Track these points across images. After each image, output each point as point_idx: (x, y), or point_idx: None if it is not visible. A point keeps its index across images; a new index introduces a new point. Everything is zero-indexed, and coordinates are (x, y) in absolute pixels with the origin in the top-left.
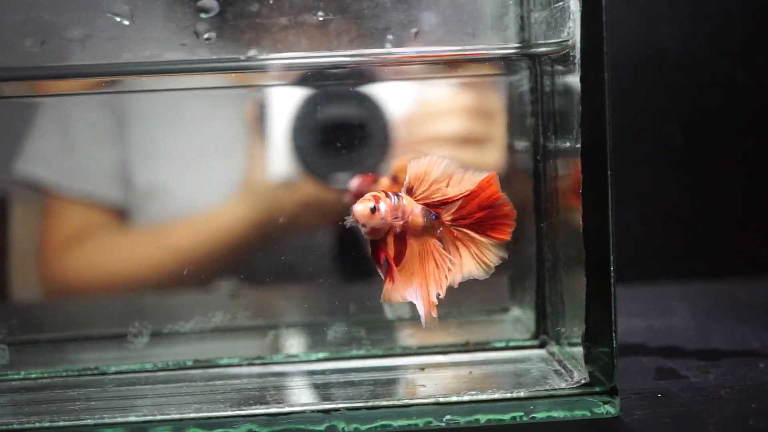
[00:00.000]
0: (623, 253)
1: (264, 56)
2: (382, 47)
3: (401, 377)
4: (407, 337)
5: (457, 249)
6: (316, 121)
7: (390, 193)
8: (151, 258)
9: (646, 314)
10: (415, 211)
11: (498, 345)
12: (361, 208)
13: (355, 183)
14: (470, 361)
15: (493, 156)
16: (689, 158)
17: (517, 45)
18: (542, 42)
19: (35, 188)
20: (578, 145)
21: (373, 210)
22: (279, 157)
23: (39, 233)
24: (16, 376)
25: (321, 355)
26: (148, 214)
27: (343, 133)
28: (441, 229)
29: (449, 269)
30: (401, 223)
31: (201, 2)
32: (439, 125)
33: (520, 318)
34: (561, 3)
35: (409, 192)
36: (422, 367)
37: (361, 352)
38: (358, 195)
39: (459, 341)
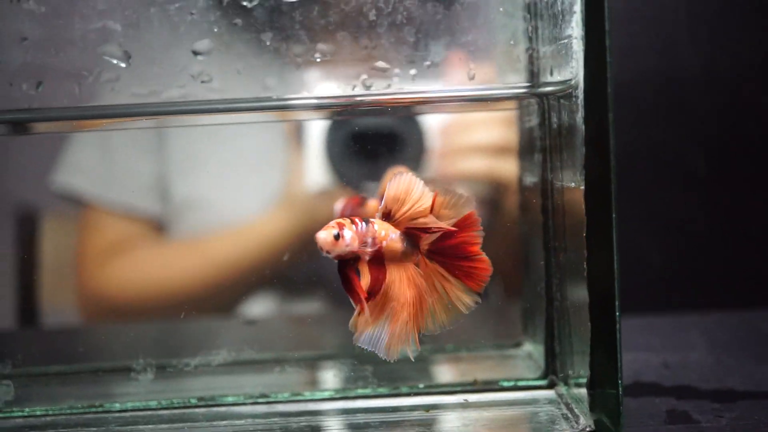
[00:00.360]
0: (641, 282)
1: (283, 96)
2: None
3: (405, 419)
4: (414, 374)
5: (433, 284)
6: (350, 132)
7: (357, 220)
8: (189, 270)
9: (662, 348)
10: (391, 236)
11: (506, 385)
12: (324, 235)
13: (339, 205)
14: (477, 401)
15: None
16: (711, 184)
17: (526, 84)
18: (548, 81)
19: (73, 200)
20: (583, 186)
21: (337, 237)
22: (316, 168)
23: (75, 246)
24: (20, 414)
25: (325, 394)
26: (185, 227)
27: (378, 143)
28: (419, 257)
29: (434, 299)
30: (371, 250)
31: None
32: (476, 134)
33: (531, 354)
34: (565, 41)
35: (387, 216)
36: (427, 409)
37: (367, 391)
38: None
39: (467, 380)
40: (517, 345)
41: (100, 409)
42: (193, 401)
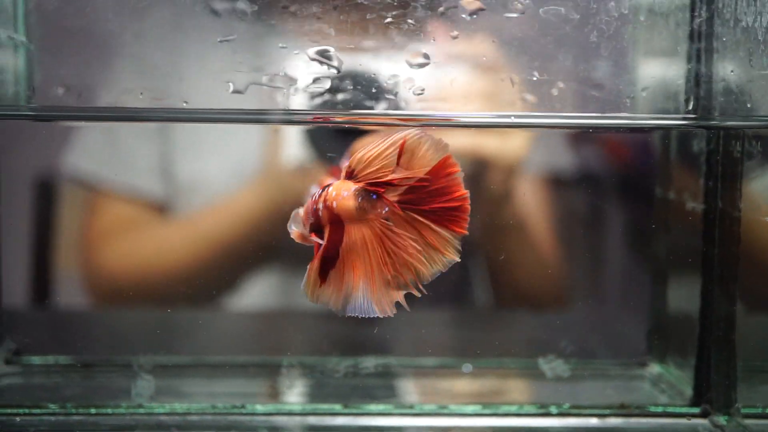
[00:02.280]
0: None
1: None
2: None
3: None
4: (555, 394)
5: (412, 234)
6: None
7: (316, 190)
8: (186, 248)
9: None
10: (343, 194)
11: (655, 410)
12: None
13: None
14: (625, 427)
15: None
16: None
17: (713, 117)
18: (750, 115)
19: (81, 183)
20: None
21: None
22: (293, 145)
23: (83, 226)
24: (160, 410)
25: (470, 409)
26: (185, 207)
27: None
28: (386, 209)
29: (415, 248)
30: (323, 214)
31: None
32: None
33: (663, 376)
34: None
35: (350, 175)
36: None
37: (513, 409)
38: None
39: (613, 402)
40: (642, 365)
41: (243, 411)
42: (338, 408)
